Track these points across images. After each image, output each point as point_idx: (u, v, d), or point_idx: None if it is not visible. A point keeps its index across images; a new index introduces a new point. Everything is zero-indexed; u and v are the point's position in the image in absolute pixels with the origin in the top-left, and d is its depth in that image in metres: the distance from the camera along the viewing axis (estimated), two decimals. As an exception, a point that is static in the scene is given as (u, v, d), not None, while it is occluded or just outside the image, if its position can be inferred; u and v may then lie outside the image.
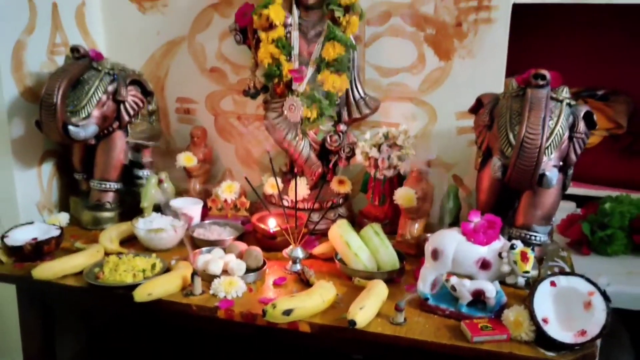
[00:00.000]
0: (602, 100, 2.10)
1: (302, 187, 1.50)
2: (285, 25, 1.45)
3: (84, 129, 1.40)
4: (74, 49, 1.43)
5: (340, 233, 1.29)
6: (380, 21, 1.54)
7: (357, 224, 1.52)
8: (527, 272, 1.05)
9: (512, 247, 1.07)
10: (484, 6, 1.45)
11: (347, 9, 1.42)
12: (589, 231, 1.57)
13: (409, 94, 1.56)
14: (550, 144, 1.15)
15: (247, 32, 1.52)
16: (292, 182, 1.47)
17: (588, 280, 1.04)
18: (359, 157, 1.48)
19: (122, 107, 1.47)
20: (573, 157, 1.21)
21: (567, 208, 1.83)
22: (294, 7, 1.47)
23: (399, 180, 1.48)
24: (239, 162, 1.75)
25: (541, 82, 1.14)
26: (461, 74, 1.51)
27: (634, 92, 2.12)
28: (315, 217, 1.44)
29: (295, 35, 1.46)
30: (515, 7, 1.54)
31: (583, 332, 0.99)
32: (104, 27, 1.74)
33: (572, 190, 1.93)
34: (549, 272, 1.17)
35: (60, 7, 1.58)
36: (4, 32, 1.42)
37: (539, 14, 1.75)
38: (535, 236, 1.26)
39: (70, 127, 1.37)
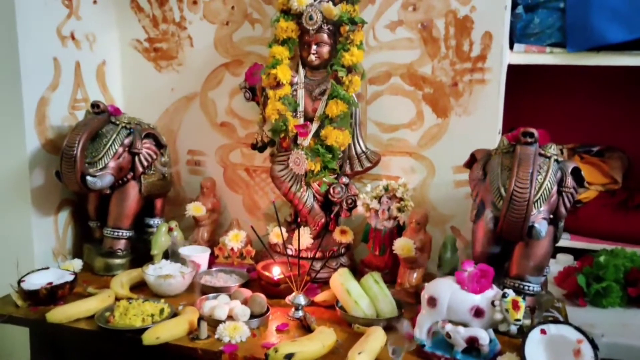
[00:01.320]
0: (597, 156, 2.17)
1: (305, 237, 1.56)
2: (291, 84, 1.55)
3: (101, 179, 1.48)
4: (94, 105, 1.53)
5: (341, 281, 1.34)
6: (381, 80, 1.64)
7: (358, 272, 1.57)
8: (518, 320, 1.10)
9: (504, 296, 1.12)
10: (477, 68, 1.55)
11: (350, 70, 1.52)
12: (585, 283, 1.61)
13: (409, 148, 1.64)
14: (539, 198, 1.22)
15: (256, 90, 1.63)
16: (296, 232, 1.54)
17: (577, 328, 1.09)
18: (360, 209, 1.55)
19: (136, 158, 1.56)
20: (563, 210, 1.28)
21: (565, 260, 1.88)
22: (300, 67, 1.57)
23: (398, 230, 1.54)
24: (245, 212, 1.82)
25: (529, 140, 1.22)
26: (457, 130, 1.59)
27: (629, 148, 2.19)
28: (318, 265, 1.50)
29: (301, 93, 1.56)
30: (512, 66, 1.65)
31: (573, 379, 1.03)
32: (122, 84, 1.85)
33: (570, 243, 1.99)
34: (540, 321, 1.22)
35: (82, 66, 1.70)
36: (30, 88, 1.53)
37: (535, 72, 1.85)
38: (528, 286, 1.31)
39: (88, 178, 1.46)
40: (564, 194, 1.26)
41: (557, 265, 1.82)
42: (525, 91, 2.18)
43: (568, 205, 1.28)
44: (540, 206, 1.23)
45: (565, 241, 2.01)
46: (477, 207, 1.37)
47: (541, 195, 1.22)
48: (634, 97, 2.15)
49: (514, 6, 1.84)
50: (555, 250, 1.89)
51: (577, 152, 2.23)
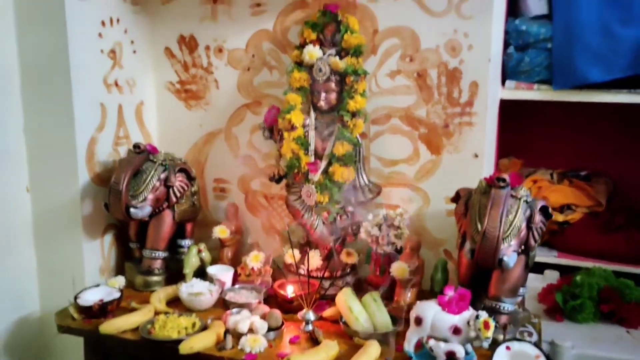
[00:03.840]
0: (584, 180, 2.37)
1: (315, 259, 1.81)
2: (303, 126, 1.79)
3: (141, 210, 1.75)
4: (136, 146, 1.80)
5: (345, 299, 1.59)
6: (382, 121, 1.87)
7: (362, 290, 1.80)
8: (488, 337, 1.33)
9: (477, 317, 1.35)
10: (466, 112, 1.77)
11: (354, 114, 1.75)
12: (562, 300, 1.82)
13: (407, 181, 1.87)
14: (509, 234, 1.44)
15: (273, 130, 1.87)
16: (308, 254, 1.78)
17: (535, 345, 1.32)
18: (362, 235, 1.79)
19: (171, 191, 1.82)
20: (532, 242, 1.50)
21: (551, 277, 2.08)
22: (312, 110, 1.81)
23: (396, 255, 1.78)
24: (264, 233, 2.07)
25: (502, 184, 1.44)
26: (449, 166, 1.82)
27: (614, 173, 2.39)
28: (327, 284, 1.74)
29: (312, 134, 1.80)
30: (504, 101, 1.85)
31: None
32: (157, 120, 2.11)
33: (558, 260, 2.20)
34: (513, 336, 1.45)
35: (124, 107, 1.95)
36: (82, 131, 1.79)
37: (530, 104, 2.05)
38: (503, 306, 1.53)
39: (131, 209, 1.72)
40: (532, 229, 1.48)
41: (544, 281, 2.03)
42: (520, 120, 2.39)
43: (537, 237, 1.50)
44: (511, 240, 1.45)
45: (552, 258, 2.23)
46: (462, 236, 1.60)
47: (511, 231, 1.45)
48: (620, 128, 2.35)
49: (507, 46, 2.06)
50: (543, 267, 2.12)
51: (567, 176, 2.44)
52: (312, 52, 1.75)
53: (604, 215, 2.27)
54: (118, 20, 1.89)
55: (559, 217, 2.25)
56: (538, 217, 1.48)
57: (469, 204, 1.55)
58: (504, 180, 1.44)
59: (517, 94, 2.06)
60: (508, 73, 2.06)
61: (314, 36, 1.78)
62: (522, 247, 1.50)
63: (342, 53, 1.76)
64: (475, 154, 1.78)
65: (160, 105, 2.10)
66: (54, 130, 1.78)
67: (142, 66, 2.03)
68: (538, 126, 2.46)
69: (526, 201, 1.49)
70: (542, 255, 2.15)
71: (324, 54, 1.76)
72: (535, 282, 1.98)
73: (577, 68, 1.99)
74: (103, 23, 1.83)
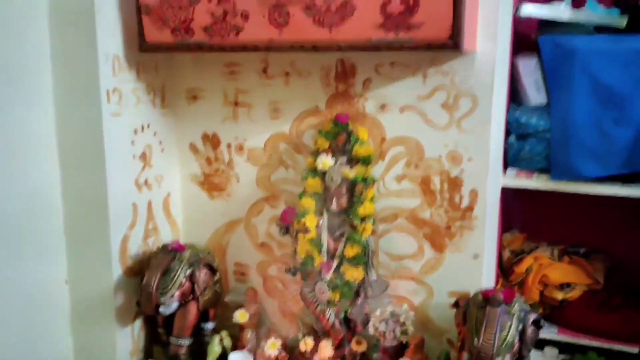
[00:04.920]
0: (584, 257, 2.49)
1: (327, 349, 1.97)
2: (317, 226, 1.96)
3: (169, 306, 1.93)
4: (165, 246, 1.98)
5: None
6: (390, 220, 2.02)
7: (371, 377, 1.96)
8: None
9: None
10: (466, 216, 1.92)
11: (363, 219, 1.91)
12: (558, 387, 1.96)
13: (412, 275, 2.03)
14: (503, 348, 1.59)
15: (289, 228, 2.03)
16: (321, 342, 1.95)
17: None
18: (370, 330, 1.94)
19: (196, 285, 2.00)
20: (525, 352, 1.64)
21: (550, 354, 2.21)
22: (325, 212, 1.97)
23: (401, 347, 1.93)
24: (281, 315, 2.24)
25: (496, 304, 1.59)
26: (451, 263, 1.97)
27: (614, 249, 2.50)
28: (338, 374, 1.90)
29: (324, 235, 1.96)
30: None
31: None
32: (182, 210, 2.29)
33: (557, 337, 2.32)
34: None
35: (153, 202, 2.14)
36: (116, 230, 1.97)
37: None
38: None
39: (161, 307, 1.90)
40: (525, 341, 1.63)
41: (543, 358, 2.16)
42: (523, 197, 2.53)
43: (530, 347, 1.65)
44: (505, 354, 1.60)
45: (552, 334, 2.35)
46: (461, 340, 1.75)
47: (505, 345, 1.59)
48: (618, 208, 2.47)
49: (508, 134, 2.20)
50: (543, 343, 2.25)
51: (567, 252, 2.56)
52: (325, 162, 1.91)
53: (601, 294, 2.38)
54: (149, 126, 2.08)
55: (559, 295, 2.37)
56: (530, 330, 1.63)
57: (467, 314, 1.70)
58: (499, 300, 1.59)
59: (518, 182, 2.19)
60: (510, 160, 2.20)
61: (326, 145, 1.95)
62: (516, 357, 1.64)
63: (352, 161, 1.93)
64: (475, 255, 1.93)
65: (185, 196, 2.28)
66: (91, 230, 1.96)
67: (169, 162, 2.21)
68: (541, 198, 2.58)
69: (519, 317, 1.63)
70: (543, 332, 2.28)
71: (335, 162, 1.93)
72: (535, 359, 2.10)
73: (573, 163, 2.11)
74: (135, 131, 2.01)
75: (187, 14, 1.77)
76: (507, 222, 2.47)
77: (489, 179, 1.90)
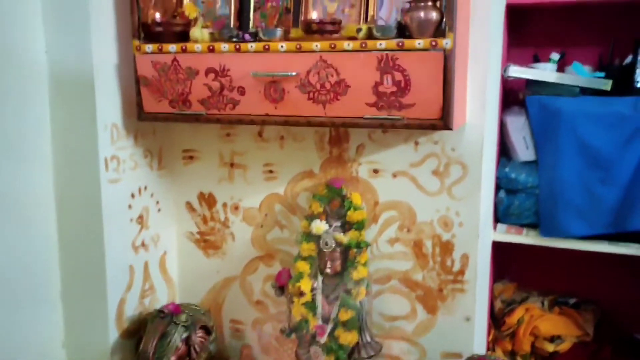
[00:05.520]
0: (574, 307, 2.54)
1: (322, 411, 1.99)
2: (312, 289, 1.99)
3: (166, 371, 1.95)
4: (160, 311, 2.00)
5: None
6: (383, 281, 2.06)
7: None
8: None
9: None
10: (458, 280, 1.96)
11: (357, 282, 1.95)
12: None
13: (405, 335, 2.06)
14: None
15: (284, 289, 2.07)
16: (316, 403, 1.97)
17: None
18: (365, 392, 1.97)
19: (192, 349, 2.02)
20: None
21: (544, 408, 2.25)
22: (319, 275, 2.01)
23: (395, 410, 1.96)
24: (276, 373, 2.27)
25: (487, 375, 1.63)
26: (444, 325, 2.00)
27: (602, 300, 2.55)
28: None
29: (319, 298, 1.99)
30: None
31: None
32: (178, 267, 2.32)
33: (550, 389, 2.36)
34: None
35: (149, 263, 2.17)
36: (113, 293, 1.99)
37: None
38: None
39: (158, 374, 1.93)
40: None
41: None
42: (514, 248, 2.57)
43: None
44: None
45: (546, 386, 2.39)
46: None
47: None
48: (607, 260, 2.52)
49: (498, 189, 2.25)
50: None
51: (557, 302, 2.60)
52: (319, 227, 1.95)
53: (591, 346, 2.43)
54: (146, 188, 2.11)
55: (549, 348, 2.41)
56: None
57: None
58: (488, 372, 1.63)
59: (508, 237, 2.24)
60: (500, 215, 2.25)
61: (320, 209, 1.99)
62: None
63: (346, 225, 1.97)
64: (467, 318, 1.97)
65: (181, 253, 2.31)
66: (88, 294, 1.99)
67: (166, 221, 2.24)
68: (531, 250, 2.62)
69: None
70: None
71: (330, 226, 1.96)
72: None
73: (561, 221, 2.16)
74: (132, 195, 2.05)
75: (184, 87, 1.81)
76: (499, 272, 2.52)
77: (480, 240, 1.94)
